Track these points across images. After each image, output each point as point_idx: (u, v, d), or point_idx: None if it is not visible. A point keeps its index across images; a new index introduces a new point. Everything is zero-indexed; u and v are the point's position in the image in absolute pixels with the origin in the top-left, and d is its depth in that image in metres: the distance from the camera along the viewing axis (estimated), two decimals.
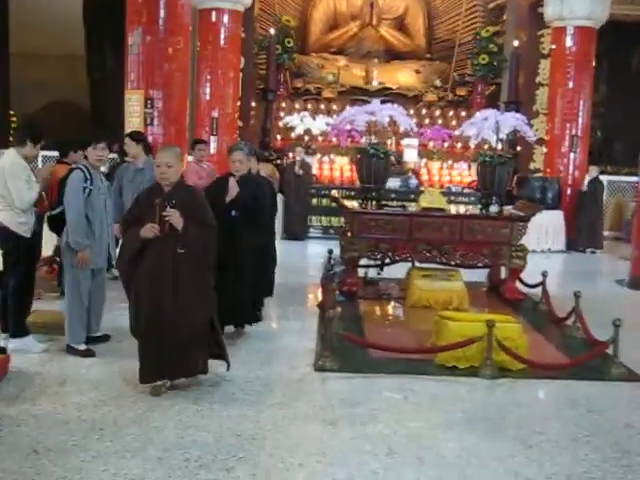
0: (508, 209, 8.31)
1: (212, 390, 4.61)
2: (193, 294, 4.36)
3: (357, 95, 16.01)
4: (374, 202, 7.73)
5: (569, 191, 12.93)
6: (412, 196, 11.76)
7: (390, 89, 16.21)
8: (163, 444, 3.76)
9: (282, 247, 11.58)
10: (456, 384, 4.97)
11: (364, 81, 16.57)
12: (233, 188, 5.54)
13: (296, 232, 12.07)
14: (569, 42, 12.83)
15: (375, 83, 16.34)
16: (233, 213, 5.53)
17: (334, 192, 10.13)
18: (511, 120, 7.79)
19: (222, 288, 4.89)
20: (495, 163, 7.79)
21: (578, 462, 3.80)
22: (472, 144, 12.76)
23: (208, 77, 12.19)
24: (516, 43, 12.99)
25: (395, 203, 8.08)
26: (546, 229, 12.27)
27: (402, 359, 5.31)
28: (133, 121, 8.31)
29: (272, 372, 5.11)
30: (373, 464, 3.66)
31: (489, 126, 7.68)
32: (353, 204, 7.85)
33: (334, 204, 10.36)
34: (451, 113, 15.67)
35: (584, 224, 12.58)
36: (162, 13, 8.14)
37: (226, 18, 12.14)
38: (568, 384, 5.13)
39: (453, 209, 8.05)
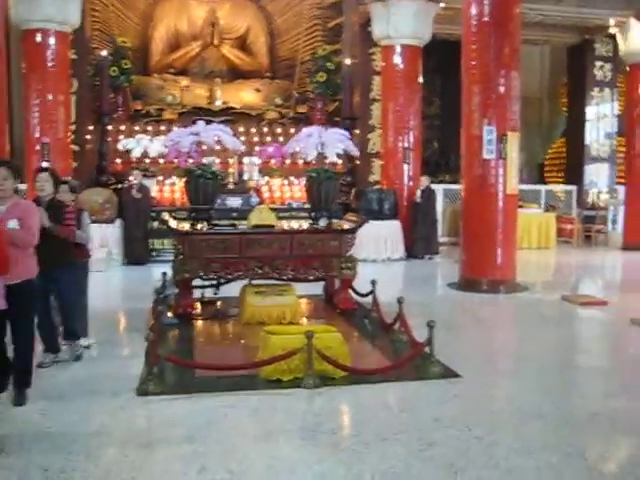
0: (338, 222, 8.56)
1: (24, 427, 4.45)
2: None
3: (200, 115, 15.99)
4: (205, 222, 7.74)
5: (405, 202, 13.50)
6: None
7: (234, 108, 16.33)
8: None
9: (122, 273, 11.46)
10: (277, 396, 5.06)
11: (208, 101, 16.56)
12: None
13: (137, 257, 11.87)
14: (397, 60, 13.47)
15: (219, 103, 16.36)
16: None
17: (165, 214, 10.00)
18: (334, 136, 8.06)
19: None
20: (322, 178, 8.03)
21: (385, 459, 3.97)
22: (313, 161, 13.04)
23: (36, 101, 11.80)
24: (349, 61, 13.44)
25: (227, 222, 8.08)
26: (385, 239, 12.75)
27: (228, 376, 5.35)
28: None
29: (93, 401, 4.98)
30: None
31: (313, 142, 7.91)
32: (183, 225, 7.82)
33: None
34: (292, 130, 15.94)
35: (421, 232, 13.18)
36: None
37: (52, 40, 11.80)
38: (386, 387, 5.34)
39: (285, 225, 8.17)
